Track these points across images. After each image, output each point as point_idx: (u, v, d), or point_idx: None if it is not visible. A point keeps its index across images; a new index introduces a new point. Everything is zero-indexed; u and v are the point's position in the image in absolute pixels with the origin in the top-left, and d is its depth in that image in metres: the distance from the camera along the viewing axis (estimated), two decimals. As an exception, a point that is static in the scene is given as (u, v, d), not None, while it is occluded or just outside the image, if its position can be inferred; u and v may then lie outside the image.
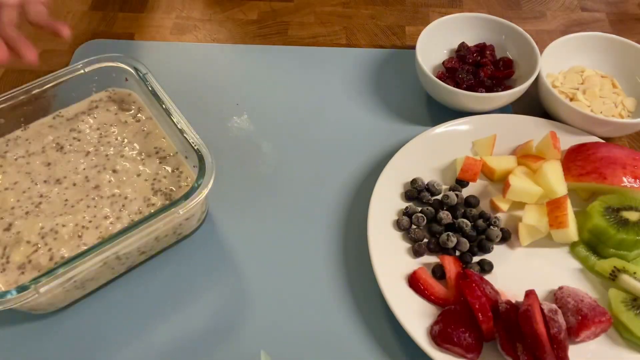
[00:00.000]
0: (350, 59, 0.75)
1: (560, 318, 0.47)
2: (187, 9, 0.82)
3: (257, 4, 0.83)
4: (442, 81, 0.65)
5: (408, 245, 0.55)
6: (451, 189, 0.59)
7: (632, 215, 0.53)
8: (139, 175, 0.55)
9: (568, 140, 0.61)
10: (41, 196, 0.52)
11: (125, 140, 0.57)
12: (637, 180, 0.56)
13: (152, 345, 0.50)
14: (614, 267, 0.51)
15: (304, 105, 0.69)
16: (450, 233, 0.54)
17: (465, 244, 0.54)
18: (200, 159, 0.50)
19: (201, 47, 0.77)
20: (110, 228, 0.51)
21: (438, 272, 0.53)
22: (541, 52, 0.66)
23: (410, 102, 0.70)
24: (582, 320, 0.47)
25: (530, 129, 0.63)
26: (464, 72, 0.68)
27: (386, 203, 0.57)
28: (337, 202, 0.60)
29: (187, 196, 0.47)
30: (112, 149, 0.56)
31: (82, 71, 0.57)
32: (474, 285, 0.49)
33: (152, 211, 0.49)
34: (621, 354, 0.48)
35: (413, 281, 0.52)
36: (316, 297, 0.53)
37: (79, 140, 0.57)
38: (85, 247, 0.48)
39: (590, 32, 0.70)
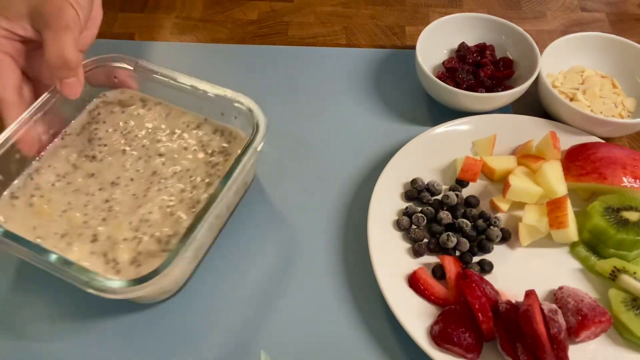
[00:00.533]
0: (350, 59, 0.75)
1: (560, 318, 0.47)
2: (187, 9, 0.82)
3: (257, 4, 0.83)
4: (442, 81, 0.65)
5: (408, 245, 0.55)
6: (451, 189, 0.59)
7: (632, 216, 0.53)
8: (185, 148, 0.56)
9: (568, 140, 0.61)
10: (107, 201, 0.52)
11: (150, 127, 0.57)
12: (637, 180, 0.56)
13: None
14: (614, 267, 0.51)
15: (304, 105, 0.69)
16: (451, 233, 0.54)
17: (465, 244, 0.54)
18: (236, 101, 0.54)
19: (201, 47, 0.77)
20: (194, 196, 0.52)
21: (438, 272, 0.53)
22: (541, 52, 0.66)
23: (410, 102, 0.70)
24: (582, 320, 0.47)
25: (530, 129, 0.63)
26: (464, 72, 0.68)
27: (386, 203, 0.57)
28: (337, 202, 0.60)
29: (253, 132, 0.51)
30: (144, 139, 0.57)
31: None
32: (474, 285, 0.49)
33: (234, 159, 0.50)
34: (621, 354, 0.48)
35: (413, 281, 0.52)
36: (316, 296, 0.53)
37: (105, 145, 0.56)
38: (184, 219, 0.50)
39: (590, 32, 0.70)
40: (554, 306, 0.48)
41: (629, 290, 0.50)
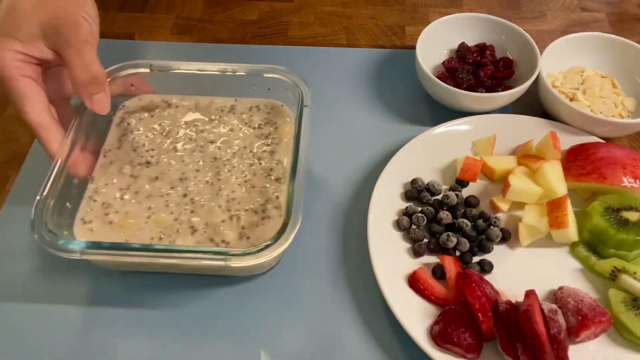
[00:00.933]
0: (350, 59, 0.75)
1: (560, 318, 0.47)
2: (187, 9, 0.82)
3: (257, 4, 0.83)
4: (442, 81, 0.65)
5: (408, 245, 0.55)
6: (451, 189, 0.59)
7: (632, 216, 0.53)
8: (232, 129, 0.59)
9: (568, 140, 0.61)
10: (185, 195, 0.54)
11: (187, 121, 0.59)
12: (637, 181, 0.56)
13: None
14: (614, 267, 0.51)
15: (304, 105, 0.69)
16: (451, 233, 0.54)
17: (465, 244, 0.54)
18: (269, 71, 0.57)
19: (201, 47, 0.77)
20: (265, 165, 0.56)
21: (438, 272, 0.53)
22: (541, 52, 0.66)
23: (410, 102, 0.70)
24: (582, 320, 0.47)
25: (530, 129, 0.63)
26: (464, 72, 0.68)
27: (386, 203, 0.57)
28: (337, 202, 0.60)
29: (300, 92, 0.56)
30: (188, 133, 0.58)
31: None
32: (474, 285, 0.49)
33: (283, 125, 0.58)
34: (621, 354, 0.48)
35: (413, 281, 0.52)
36: (316, 296, 0.53)
37: (152, 149, 0.57)
38: (268, 186, 0.54)
39: (590, 32, 0.70)
40: (554, 306, 0.48)
41: (629, 290, 0.50)
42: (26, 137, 0.66)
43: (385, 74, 0.73)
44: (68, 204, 0.51)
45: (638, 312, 0.48)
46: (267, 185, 0.54)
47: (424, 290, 0.51)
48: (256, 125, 0.59)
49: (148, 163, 0.56)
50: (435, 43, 0.70)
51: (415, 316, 0.50)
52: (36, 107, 0.48)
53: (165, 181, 0.55)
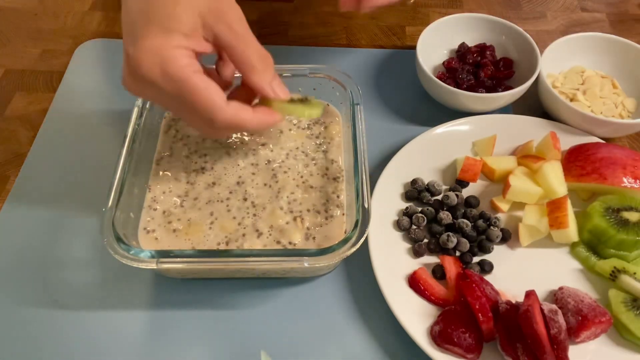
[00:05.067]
0: (350, 59, 0.75)
1: (561, 318, 0.47)
2: (187, 9, 0.82)
3: (257, 4, 0.83)
4: (443, 81, 0.65)
5: (408, 245, 0.55)
6: (451, 189, 0.59)
7: (632, 216, 0.53)
8: (281, 131, 0.60)
9: (568, 141, 0.61)
10: (245, 199, 0.54)
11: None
12: (637, 181, 0.56)
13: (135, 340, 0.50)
14: (614, 267, 0.51)
15: (304, 105, 0.69)
16: (451, 233, 0.54)
17: (466, 245, 0.54)
18: (315, 72, 0.59)
19: (201, 47, 0.77)
20: (319, 164, 0.57)
21: (438, 272, 0.53)
22: (541, 52, 0.66)
23: (410, 102, 0.70)
24: (582, 320, 0.47)
25: (530, 129, 0.63)
26: (464, 73, 0.68)
27: (386, 203, 0.57)
28: (337, 202, 0.60)
29: (350, 91, 0.57)
30: (239, 137, 0.59)
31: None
32: (474, 285, 0.49)
33: (333, 125, 0.60)
34: (621, 354, 0.48)
35: (413, 281, 0.52)
36: (316, 296, 0.53)
37: (205, 154, 0.57)
38: (327, 184, 0.55)
39: (591, 32, 0.70)
40: (554, 306, 0.48)
41: (629, 290, 0.50)
42: (26, 137, 0.66)
43: (385, 74, 0.73)
44: (132, 214, 0.51)
45: (638, 312, 0.48)
46: (326, 185, 0.55)
47: (424, 291, 0.51)
48: (305, 126, 0.60)
49: (203, 169, 0.56)
50: (436, 43, 0.70)
51: (415, 316, 0.50)
52: (224, 101, 0.42)
53: (222, 186, 0.55)
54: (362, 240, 0.46)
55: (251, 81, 0.45)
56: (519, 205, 0.57)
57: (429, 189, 0.58)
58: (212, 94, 0.41)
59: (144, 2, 0.41)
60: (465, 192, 0.59)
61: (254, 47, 0.44)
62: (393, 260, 0.53)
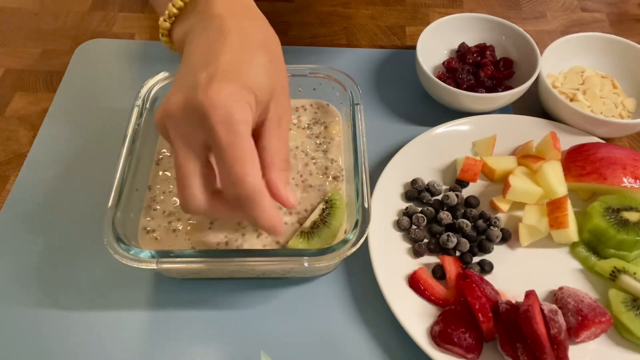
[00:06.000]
0: (350, 59, 0.75)
1: (561, 318, 0.47)
2: (187, 9, 0.82)
3: (257, 4, 0.83)
4: (443, 81, 0.65)
5: (408, 245, 0.55)
6: (451, 189, 0.59)
7: (632, 216, 0.53)
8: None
9: (568, 141, 0.61)
10: None
11: None
12: (638, 181, 0.56)
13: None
14: (614, 267, 0.51)
15: (304, 105, 0.69)
16: (451, 233, 0.54)
17: (466, 245, 0.54)
18: (315, 73, 0.58)
19: (201, 47, 0.77)
20: (319, 164, 0.57)
21: (438, 272, 0.53)
22: (541, 52, 0.66)
23: (410, 102, 0.70)
24: (582, 320, 0.47)
25: (530, 129, 0.63)
26: (464, 73, 0.68)
27: (386, 203, 0.57)
28: (337, 202, 0.60)
29: (350, 91, 0.57)
30: None
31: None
32: (474, 285, 0.49)
33: (333, 124, 0.60)
34: (621, 354, 0.48)
35: (413, 281, 0.52)
36: (316, 296, 0.53)
37: None
38: (327, 183, 0.56)
39: (591, 32, 0.70)
40: (554, 306, 0.48)
41: (629, 290, 0.50)
42: (26, 137, 0.66)
43: (385, 74, 0.73)
44: (132, 214, 0.51)
45: (638, 312, 0.48)
46: (325, 184, 0.55)
47: (424, 291, 0.51)
48: (305, 126, 0.60)
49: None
50: (436, 43, 0.70)
51: (415, 316, 0.50)
52: (258, 171, 0.39)
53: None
54: (362, 240, 0.46)
55: (269, 177, 0.42)
56: (519, 205, 0.57)
57: (429, 189, 0.58)
58: (251, 160, 0.39)
59: (236, 53, 0.40)
60: (465, 192, 0.59)
61: (282, 137, 0.43)
62: (393, 260, 0.53)
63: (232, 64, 0.39)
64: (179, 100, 0.39)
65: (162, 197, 0.54)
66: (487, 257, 0.55)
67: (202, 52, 0.41)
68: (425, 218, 0.56)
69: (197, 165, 0.40)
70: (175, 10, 0.44)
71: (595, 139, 0.62)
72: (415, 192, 0.58)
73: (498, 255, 0.55)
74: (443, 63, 0.70)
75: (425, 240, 0.56)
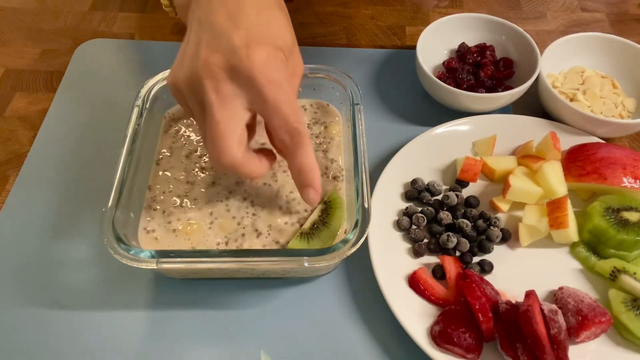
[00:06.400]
0: (350, 59, 0.75)
1: (561, 318, 0.47)
2: (187, 9, 0.82)
3: (257, 4, 0.83)
4: (443, 81, 0.65)
5: (408, 245, 0.55)
6: (451, 189, 0.59)
7: (632, 216, 0.53)
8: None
9: (568, 141, 0.61)
10: (244, 199, 0.54)
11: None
12: (638, 181, 0.56)
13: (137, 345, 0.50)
14: (614, 267, 0.51)
15: (304, 105, 0.69)
16: (451, 233, 0.54)
17: (466, 245, 0.54)
18: (315, 72, 0.59)
19: (201, 47, 0.77)
20: (320, 164, 0.55)
21: (438, 272, 0.53)
22: (541, 52, 0.66)
23: (410, 102, 0.70)
24: (582, 320, 0.47)
25: (530, 129, 0.63)
26: (464, 73, 0.68)
27: (386, 203, 0.57)
28: (337, 202, 0.60)
29: (350, 91, 0.57)
30: None
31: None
32: (474, 285, 0.49)
33: (333, 124, 0.60)
34: (621, 354, 0.48)
35: (413, 281, 0.52)
36: (316, 296, 0.53)
37: (205, 154, 0.57)
38: (326, 183, 0.55)
39: (591, 32, 0.70)
40: (554, 306, 0.48)
41: (629, 290, 0.50)
42: (26, 137, 0.66)
43: (385, 74, 0.73)
44: (132, 214, 0.51)
45: (638, 312, 0.48)
46: (326, 184, 0.55)
47: (424, 291, 0.51)
48: (305, 126, 0.59)
49: (203, 169, 0.56)
50: (436, 43, 0.70)
51: (415, 316, 0.50)
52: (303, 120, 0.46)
53: (222, 186, 0.55)
54: (362, 240, 0.46)
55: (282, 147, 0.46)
56: (519, 205, 0.57)
57: (429, 189, 0.58)
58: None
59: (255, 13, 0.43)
60: (465, 192, 0.59)
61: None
62: (393, 260, 0.53)
63: (260, 25, 0.43)
64: (219, 62, 0.41)
65: (162, 197, 0.54)
66: (487, 257, 0.55)
67: (223, 12, 0.42)
68: (425, 218, 0.56)
69: (239, 123, 0.43)
70: None
71: (595, 139, 0.62)
72: (415, 192, 0.58)
73: (498, 255, 0.55)
74: (443, 63, 0.70)
75: (425, 240, 0.56)
